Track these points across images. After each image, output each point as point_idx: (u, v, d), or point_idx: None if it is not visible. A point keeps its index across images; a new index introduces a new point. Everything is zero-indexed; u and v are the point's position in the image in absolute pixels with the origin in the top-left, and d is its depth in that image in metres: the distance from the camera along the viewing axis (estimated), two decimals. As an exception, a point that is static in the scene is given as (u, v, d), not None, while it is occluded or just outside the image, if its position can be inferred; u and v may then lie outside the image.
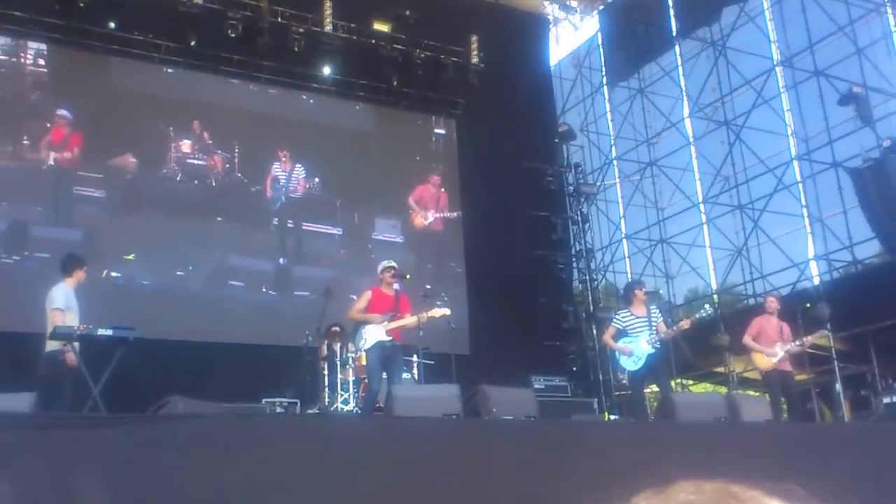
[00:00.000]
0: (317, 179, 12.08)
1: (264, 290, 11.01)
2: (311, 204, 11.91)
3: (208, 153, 11.23)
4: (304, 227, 11.85)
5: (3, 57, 10.36)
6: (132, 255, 9.73)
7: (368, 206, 12.57)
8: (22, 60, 10.45)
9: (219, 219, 10.94)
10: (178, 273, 10.08)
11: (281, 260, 11.38)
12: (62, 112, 10.09)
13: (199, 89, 11.55)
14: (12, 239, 9.30)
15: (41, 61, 10.48)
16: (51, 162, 9.88)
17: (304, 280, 11.25)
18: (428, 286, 11.26)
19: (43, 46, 10.52)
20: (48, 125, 9.96)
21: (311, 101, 12.52)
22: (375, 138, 13.39)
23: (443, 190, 13.52)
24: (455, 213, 13.27)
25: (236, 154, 11.49)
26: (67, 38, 11.52)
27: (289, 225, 11.62)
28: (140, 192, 10.44)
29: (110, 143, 10.54)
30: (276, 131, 12.09)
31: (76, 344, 6.75)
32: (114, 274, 9.61)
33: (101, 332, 6.88)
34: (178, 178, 10.90)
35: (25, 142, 9.82)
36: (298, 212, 11.76)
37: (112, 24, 11.51)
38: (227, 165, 11.41)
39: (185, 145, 11.04)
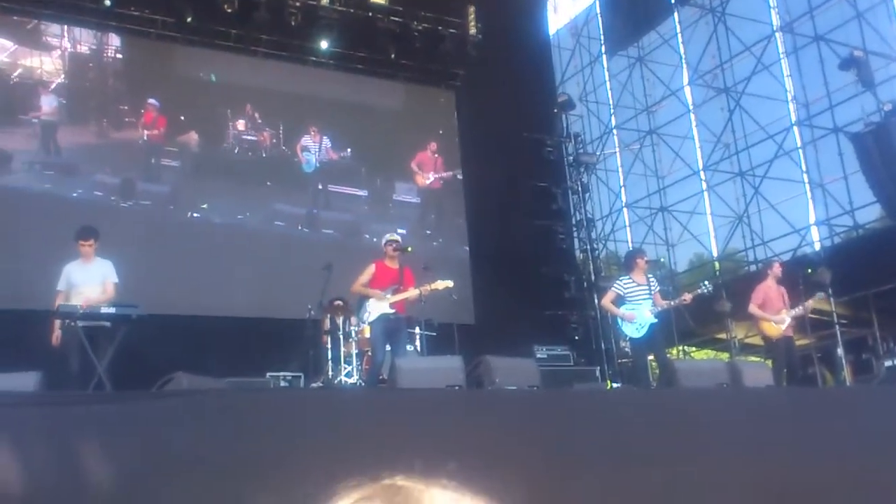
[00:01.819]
0: (349, 150, 13.82)
1: (300, 227, 13.26)
2: (341, 170, 13.80)
3: (259, 130, 13.28)
4: (334, 189, 13.75)
5: (88, 53, 12.58)
6: (206, 204, 12.43)
7: (390, 171, 14.19)
8: (105, 54, 12.72)
9: (268, 183, 13.21)
10: (238, 216, 12.64)
11: (314, 210, 13.55)
12: (152, 101, 12.43)
13: (251, 76, 13.31)
14: (125, 190, 12.00)
15: (119, 55, 12.78)
16: (144, 138, 12.42)
17: (331, 221, 13.55)
18: (428, 231, 13.93)
19: (118, 42, 12.66)
20: (141, 111, 12.44)
21: (344, 82, 13.98)
22: (402, 114, 14.66)
23: (437, 155, 14.45)
24: (449, 173, 14.40)
25: (281, 131, 13.46)
26: (62, 14, 11.59)
27: (319, 187, 13.61)
28: (208, 162, 12.85)
29: (182, 123, 12.76)
30: (315, 110, 13.87)
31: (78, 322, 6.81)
32: (195, 215, 12.37)
33: (104, 310, 6.93)
34: (236, 151, 13.14)
35: (105, 122, 12.33)
36: (330, 177, 13.70)
37: (108, 2, 11.56)
38: (274, 140, 13.40)
39: (241, 124, 13.18)
